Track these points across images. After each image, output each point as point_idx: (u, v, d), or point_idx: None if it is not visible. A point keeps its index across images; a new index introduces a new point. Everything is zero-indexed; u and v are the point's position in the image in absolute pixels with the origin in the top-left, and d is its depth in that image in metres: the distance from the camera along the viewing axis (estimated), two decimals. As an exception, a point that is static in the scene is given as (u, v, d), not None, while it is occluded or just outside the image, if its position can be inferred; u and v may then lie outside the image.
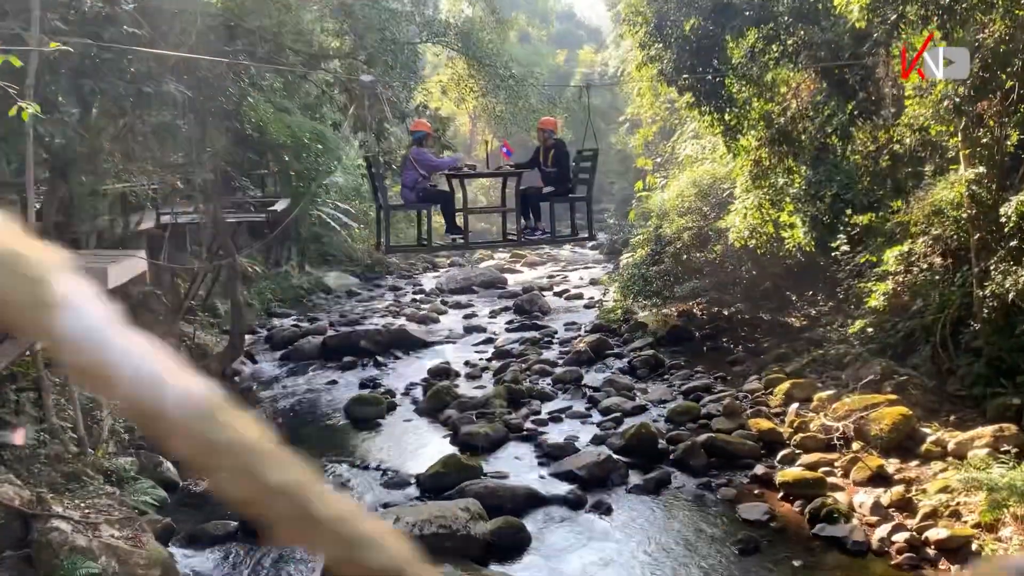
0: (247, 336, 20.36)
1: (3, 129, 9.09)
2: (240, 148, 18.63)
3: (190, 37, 11.42)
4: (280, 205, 22.15)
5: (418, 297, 27.07)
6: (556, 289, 27.68)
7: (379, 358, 19.10)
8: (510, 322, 22.52)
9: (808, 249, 15.48)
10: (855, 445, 11.92)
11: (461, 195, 8.42)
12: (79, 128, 11.21)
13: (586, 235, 9.16)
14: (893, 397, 12.51)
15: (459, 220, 8.45)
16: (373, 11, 14.81)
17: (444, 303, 25.70)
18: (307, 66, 15.49)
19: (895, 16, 9.68)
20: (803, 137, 13.86)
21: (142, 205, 16.08)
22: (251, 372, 18.76)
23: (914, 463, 11.29)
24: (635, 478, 12.06)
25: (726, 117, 14.29)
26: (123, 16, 10.65)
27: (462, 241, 8.94)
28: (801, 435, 12.55)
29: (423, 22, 17.89)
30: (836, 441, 12.10)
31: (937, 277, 13.18)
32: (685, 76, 13.66)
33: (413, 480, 12.22)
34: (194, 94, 13.54)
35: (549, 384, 16.61)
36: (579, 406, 15.34)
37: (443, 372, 17.53)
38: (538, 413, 14.91)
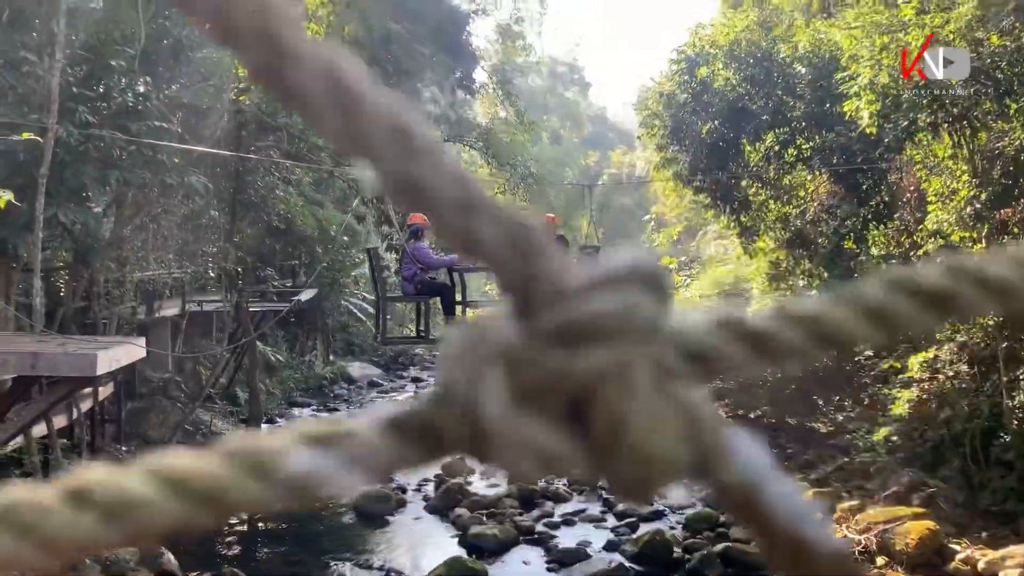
0: (265, 425, 20.28)
1: (27, 217, 9.37)
2: (268, 239, 19.02)
3: (216, 131, 11.81)
4: (305, 295, 22.42)
5: (440, 390, 26.89)
6: (580, 386, 27.36)
7: (394, 452, 18.83)
8: (530, 419, 22.18)
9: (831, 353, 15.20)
10: (879, 560, 11.35)
11: (460, 288, 8.45)
12: (102, 217, 11.52)
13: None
14: (920, 510, 11.97)
15: (459, 313, 8.46)
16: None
17: (465, 397, 25.47)
18: (333, 162, 15.96)
19: (906, 123, 9.71)
20: (820, 240, 13.81)
21: (161, 293, 16.34)
22: (265, 462, 18.59)
23: (942, 582, 10.69)
24: (647, 588, 11.57)
25: (742, 219, 14.32)
26: (152, 111, 11.06)
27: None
28: (822, 548, 11.99)
29: (446, 123, 18.45)
30: (859, 555, 11.53)
31: (964, 386, 12.78)
32: (700, 177, 13.79)
33: (416, 582, 11.84)
34: (222, 186, 13.90)
35: (564, 484, 16.19)
36: (594, 509, 14.88)
37: (457, 469, 17.19)
38: (551, 515, 14.48)
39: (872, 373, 14.81)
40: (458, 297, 8.33)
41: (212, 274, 19.61)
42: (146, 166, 11.32)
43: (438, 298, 8.44)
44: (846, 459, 14.87)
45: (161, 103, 11.77)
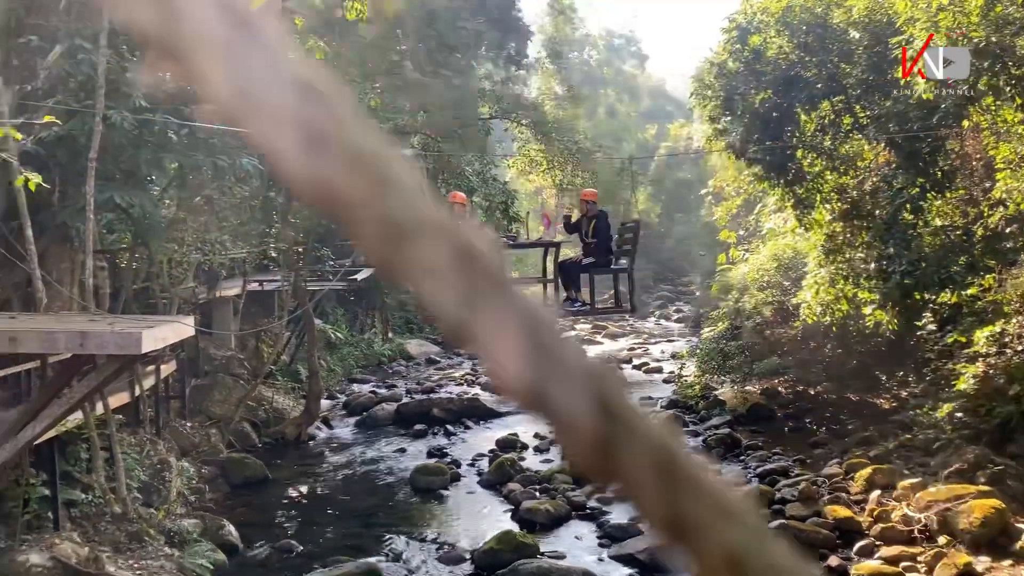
0: (326, 401, 20.70)
1: (83, 202, 9.67)
2: (325, 219, 19.27)
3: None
4: (361, 274, 22.69)
5: (496, 367, 27.01)
6: (636, 362, 27.20)
7: (450, 427, 19.06)
8: (585, 395, 22.16)
9: (892, 327, 14.72)
10: (941, 539, 11.04)
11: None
12: (159, 199, 11.82)
13: (628, 307, 8.94)
14: (986, 488, 11.60)
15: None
16: (442, 90, 15.27)
17: (521, 374, 25.55)
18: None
19: (966, 86, 9.28)
20: (876, 211, 13.34)
21: (217, 274, 16.71)
22: (325, 437, 18.99)
23: (1007, 562, 10.38)
24: (699, 564, 11.49)
25: (797, 190, 13.91)
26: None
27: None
28: (881, 525, 11.73)
29: (494, 100, 18.32)
30: (919, 534, 11.24)
31: (1033, 360, 12.30)
32: (754, 149, 13.42)
33: (468, 555, 11.98)
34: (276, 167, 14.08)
35: (618, 461, 16.15)
36: (647, 485, 14.82)
37: (511, 444, 17.32)
38: (603, 491, 14.44)
39: (936, 348, 14.33)
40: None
41: (274, 254, 19.98)
42: (200, 149, 11.54)
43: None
44: (908, 435, 14.47)
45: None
